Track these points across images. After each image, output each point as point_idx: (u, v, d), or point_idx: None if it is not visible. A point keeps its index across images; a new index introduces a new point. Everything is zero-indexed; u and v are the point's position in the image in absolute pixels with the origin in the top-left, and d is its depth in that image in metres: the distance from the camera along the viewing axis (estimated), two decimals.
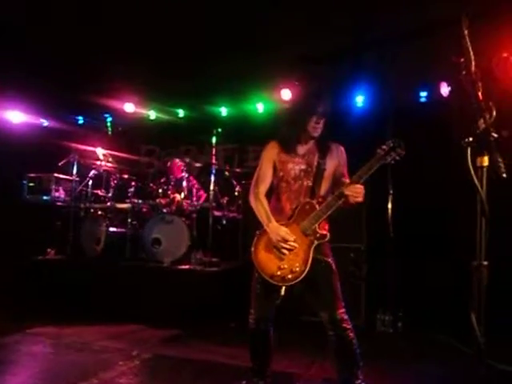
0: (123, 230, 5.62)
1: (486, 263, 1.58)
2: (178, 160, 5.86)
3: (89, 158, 6.05)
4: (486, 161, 1.53)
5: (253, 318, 2.52)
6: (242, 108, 6.62)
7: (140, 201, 5.77)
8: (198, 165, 6.07)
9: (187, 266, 4.96)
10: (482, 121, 1.52)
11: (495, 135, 1.52)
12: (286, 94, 5.92)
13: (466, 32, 1.55)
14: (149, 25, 5.15)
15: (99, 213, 5.71)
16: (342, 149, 2.59)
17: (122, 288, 4.89)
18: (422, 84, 5.48)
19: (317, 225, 2.35)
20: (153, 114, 7.05)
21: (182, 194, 5.55)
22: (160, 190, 5.62)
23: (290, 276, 2.31)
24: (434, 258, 4.81)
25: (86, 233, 5.58)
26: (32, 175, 6.17)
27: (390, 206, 4.71)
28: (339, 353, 2.38)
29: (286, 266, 2.33)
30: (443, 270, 4.68)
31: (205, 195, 5.77)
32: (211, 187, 5.15)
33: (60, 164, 5.95)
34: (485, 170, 1.53)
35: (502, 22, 3.94)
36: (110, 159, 6.08)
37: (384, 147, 2.28)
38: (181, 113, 6.96)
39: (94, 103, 6.64)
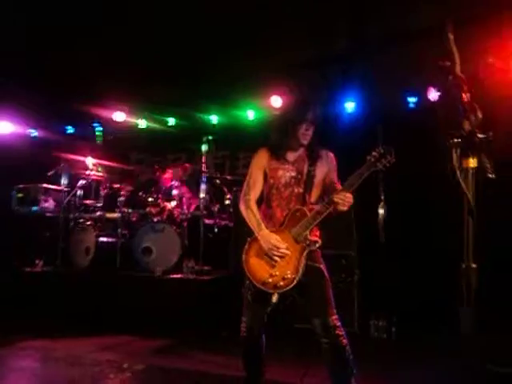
0: (113, 239, 5.54)
1: (474, 266, 1.58)
2: (168, 168, 5.82)
3: (78, 167, 5.99)
4: (471, 162, 1.53)
5: (244, 326, 2.49)
6: (232, 115, 6.61)
7: (130, 210, 5.70)
8: (188, 173, 6.03)
9: (179, 275, 4.91)
10: (467, 122, 1.52)
11: (480, 136, 1.52)
12: (277, 101, 5.93)
13: (450, 36, 1.56)
14: (139, 34, 5.17)
15: (89, 223, 5.64)
16: (332, 155, 2.59)
17: (112, 299, 4.82)
18: (410, 89, 5.52)
19: (308, 231, 2.34)
20: (143, 123, 7.02)
21: (173, 203, 5.51)
22: (150, 199, 5.54)
23: (281, 283, 2.28)
24: (427, 262, 4.82)
25: (76, 243, 5.49)
26: (20, 186, 6.08)
27: (381, 211, 4.71)
28: (332, 360, 2.35)
29: (277, 273, 2.31)
30: (436, 274, 4.69)
31: (196, 203, 5.73)
32: (202, 195, 5.12)
33: (49, 174, 5.88)
34: (471, 171, 1.54)
35: (487, 28, 4.01)
36: (100, 168, 6.03)
37: (374, 154, 2.27)
38: (171, 121, 6.94)
39: (83, 112, 6.61)
